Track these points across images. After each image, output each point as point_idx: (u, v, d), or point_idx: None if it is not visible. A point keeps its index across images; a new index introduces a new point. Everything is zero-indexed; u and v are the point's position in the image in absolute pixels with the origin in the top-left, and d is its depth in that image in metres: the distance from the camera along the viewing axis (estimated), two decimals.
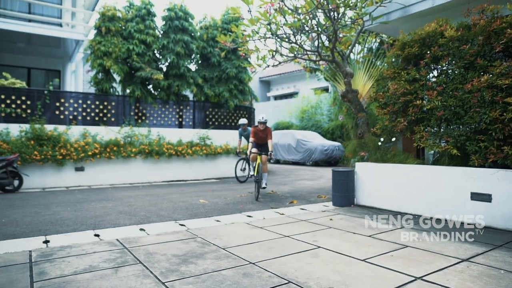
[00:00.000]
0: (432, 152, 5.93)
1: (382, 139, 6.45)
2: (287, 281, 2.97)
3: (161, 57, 12.11)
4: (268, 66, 7.74)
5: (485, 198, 4.81)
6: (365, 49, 9.38)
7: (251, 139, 7.56)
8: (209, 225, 5.11)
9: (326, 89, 23.95)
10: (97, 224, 5.08)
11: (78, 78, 15.25)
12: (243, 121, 10.32)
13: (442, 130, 5.50)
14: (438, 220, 5.06)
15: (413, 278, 3.01)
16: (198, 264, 3.40)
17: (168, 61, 11.80)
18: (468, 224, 4.87)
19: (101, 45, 10.81)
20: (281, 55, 7.84)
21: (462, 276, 3.04)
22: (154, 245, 4.06)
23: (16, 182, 8.62)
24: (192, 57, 12.67)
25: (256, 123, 7.95)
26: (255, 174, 7.47)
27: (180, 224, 5.14)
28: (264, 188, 7.67)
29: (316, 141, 17.84)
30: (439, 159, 5.67)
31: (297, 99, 24.76)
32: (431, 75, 5.75)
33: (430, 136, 5.59)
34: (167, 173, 11.22)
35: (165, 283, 2.93)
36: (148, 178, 10.83)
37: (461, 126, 5.22)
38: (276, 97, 31.08)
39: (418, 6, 6.33)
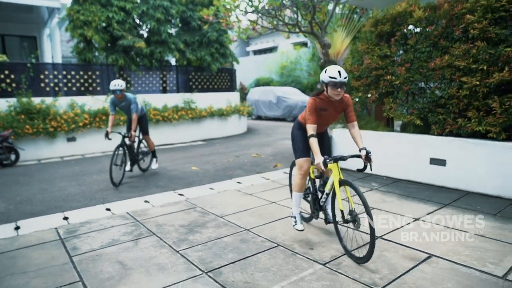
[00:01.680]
0: (400, 121, 6.65)
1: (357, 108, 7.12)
2: (276, 244, 3.72)
3: (141, 23, 12.13)
4: (249, 38, 8.09)
5: (441, 162, 5.63)
6: (342, 16, 9.72)
7: (311, 125, 3.39)
8: (205, 193, 5.79)
9: (305, 44, 24.12)
10: (105, 198, 5.69)
11: (55, 44, 15.01)
12: (117, 84, 6.23)
13: (408, 102, 6.19)
14: (402, 182, 5.90)
15: (379, 236, 3.81)
16: (202, 233, 4.11)
17: (149, 27, 11.86)
18: (427, 185, 5.74)
19: (80, 14, 10.75)
20: (262, 27, 8.19)
21: (412, 234, 3.86)
22: (161, 216, 4.73)
23: (12, 157, 9.00)
24: (172, 22, 12.70)
25: (327, 91, 3.34)
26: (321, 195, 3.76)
27: (179, 194, 5.81)
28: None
29: (296, 97, 18.47)
30: (405, 128, 6.40)
31: (276, 54, 24.93)
32: (400, 52, 6.31)
33: (398, 107, 6.28)
34: (155, 138, 11.53)
35: (179, 252, 3.64)
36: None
37: (424, 100, 5.91)
38: (255, 52, 31.01)
39: None
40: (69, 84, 10.87)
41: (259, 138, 12.70)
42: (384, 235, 3.86)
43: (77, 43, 11.26)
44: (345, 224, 3.43)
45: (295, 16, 7.89)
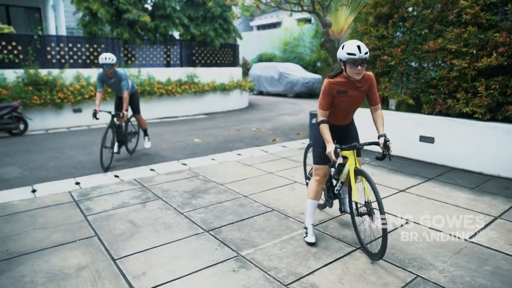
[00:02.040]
0: (394, 100, 6.94)
1: None
2: (271, 209, 4.12)
3: None
4: (252, 15, 8.27)
5: (430, 140, 5.97)
6: None
7: (321, 110, 3.09)
8: (207, 164, 6.17)
9: (309, 20, 24.01)
10: (113, 166, 6.07)
11: (60, 16, 15.10)
12: (108, 58, 5.71)
13: (403, 82, 6.47)
14: (393, 157, 6.25)
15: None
16: (204, 198, 4.51)
17: (154, 1, 11.96)
18: (416, 161, 6.10)
19: None
20: (265, 4, 8.35)
21: (395, 203, 4.24)
22: (166, 183, 5.12)
23: (21, 126, 9.36)
24: None
25: (350, 70, 2.88)
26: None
27: (182, 164, 6.19)
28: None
29: (298, 74, 18.63)
30: (399, 107, 6.70)
31: (279, 30, 24.86)
32: (397, 33, 6.53)
33: (392, 87, 6.57)
34: (159, 110, 12.04)
35: (183, 213, 4.04)
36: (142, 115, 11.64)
37: (417, 80, 6.19)
38: (259, 27, 30.86)
39: None
40: (75, 57, 11.10)
41: (260, 113, 13.00)
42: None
43: (82, 16, 11.41)
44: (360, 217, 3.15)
45: None
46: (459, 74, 5.44)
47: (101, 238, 3.45)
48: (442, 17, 5.75)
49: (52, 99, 9.84)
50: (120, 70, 6.03)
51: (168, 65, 13.06)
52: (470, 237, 3.38)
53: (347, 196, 3.41)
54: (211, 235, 3.50)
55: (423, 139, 6.07)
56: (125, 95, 5.88)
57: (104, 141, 5.77)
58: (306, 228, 3.36)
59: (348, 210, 3.37)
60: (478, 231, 3.51)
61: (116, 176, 5.49)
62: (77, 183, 5.18)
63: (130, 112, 6.59)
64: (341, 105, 3.09)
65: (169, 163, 6.27)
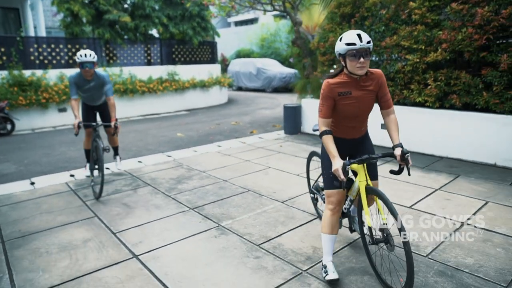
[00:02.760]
0: None
1: (321, 81, 8.07)
2: (247, 190, 4.74)
3: None
4: (229, 16, 8.84)
5: None
6: None
7: (322, 119, 2.61)
8: (190, 155, 6.74)
9: (284, 16, 24.62)
10: None
11: (39, 16, 15.28)
12: (89, 55, 4.61)
13: None
14: None
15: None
16: (188, 183, 5.09)
17: (133, 1, 12.35)
18: (378, 146, 6.77)
19: None
20: (240, 5, 8.93)
21: None
22: (154, 172, 5.68)
23: (9, 126, 9.69)
24: None
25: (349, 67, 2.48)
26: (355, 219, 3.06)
27: (167, 155, 6.74)
28: None
29: (275, 69, 19.27)
30: None
31: (256, 26, 25.41)
32: None
33: None
34: (141, 108, 12.49)
35: (171, 196, 4.62)
36: (125, 114, 12.08)
37: None
38: (237, 23, 31.32)
39: None
40: (58, 57, 11.42)
41: (239, 108, 13.59)
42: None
43: (64, 17, 11.72)
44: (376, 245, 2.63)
45: None
46: (412, 67, 6.16)
47: (100, 218, 4.00)
48: (396, 16, 6.45)
49: (37, 99, 10.19)
50: (101, 72, 4.91)
51: (149, 63, 13.48)
52: (412, 205, 4.08)
53: (357, 217, 2.85)
54: (196, 211, 4.10)
55: (384, 126, 6.77)
56: (112, 101, 4.89)
57: (92, 164, 4.96)
58: (325, 266, 2.74)
59: (358, 230, 2.90)
60: (420, 200, 4.21)
61: (107, 168, 6.00)
62: (72, 175, 5.68)
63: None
64: (347, 111, 2.58)
65: (155, 155, 6.80)
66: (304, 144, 7.28)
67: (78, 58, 4.56)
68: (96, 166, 4.91)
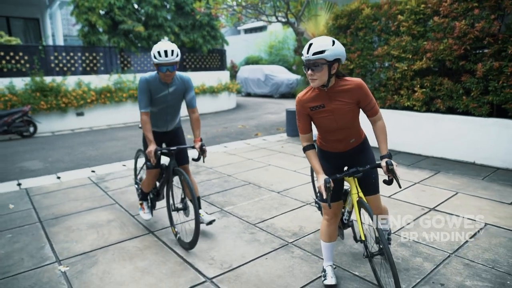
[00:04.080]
0: None
1: None
2: (248, 183, 5.36)
3: (140, 9, 13.40)
4: (235, 27, 9.52)
5: None
6: (318, 5, 11.10)
7: (302, 134, 2.65)
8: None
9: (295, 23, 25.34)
10: (120, 158, 7.26)
11: (57, 26, 16.20)
12: (171, 51, 3.17)
13: None
14: None
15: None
16: (197, 178, 5.72)
17: (147, 12, 13.14)
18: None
19: (85, 1, 12.02)
20: (246, 16, 9.62)
21: None
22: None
23: (31, 129, 10.48)
24: (168, 7, 13.97)
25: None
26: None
27: None
28: None
29: (283, 75, 19.94)
30: None
31: (265, 34, 26.18)
32: (355, 41, 7.81)
33: None
34: None
35: (180, 188, 5.25)
36: (138, 118, 12.73)
37: (371, 80, 7.47)
38: (246, 30, 32.11)
39: None
40: (76, 65, 12.25)
41: (246, 112, 14.24)
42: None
43: (82, 27, 12.55)
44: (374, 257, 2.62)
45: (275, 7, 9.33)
46: (401, 75, 6.73)
47: (120, 204, 4.66)
48: (387, 28, 7.04)
49: (57, 104, 10.98)
50: (184, 74, 3.59)
51: None
52: (391, 195, 4.65)
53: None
54: (202, 200, 4.72)
55: None
56: (197, 114, 3.73)
57: (169, 199, 3.64)
58: (324, 270, 2.81)
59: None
60: (399, 192, 4.78)
61: (124, 165, 6.68)
62: (93, 171, 6.36)
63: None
64: (324, 124, 2.50)
65: None
66: None
67: (154, 58, 3.18)
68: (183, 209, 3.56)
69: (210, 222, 3.72)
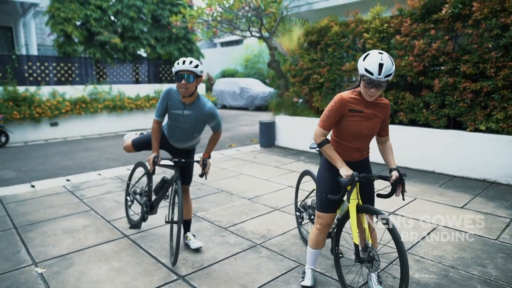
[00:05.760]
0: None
1: (294, 99, 9.06)
2: (221, 191, 5.58)
3: (116, 20, 13.53)
4: (211, 40, 9.82)
5: None
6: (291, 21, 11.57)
7: (321, 129, 2.63)
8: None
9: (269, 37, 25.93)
10: (95, 167, 7.33)
11: (31, 35, 16.04)
12: (182, 62, 3.14)
13: (329, 95, 8.16)
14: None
15: (287, 186, 5.74)
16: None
17: (123, 24, 13.28)
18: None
19: (61, 11, 12.06)
20: (221, 30, 9.93)
21: None
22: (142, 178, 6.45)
23: (3, 139, 10.34)
24: (144, 19, 14.16)
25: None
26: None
27: None
28: None
29: (258, 88, 20.31)
30: None
31: (241, 47, 26.62)
32: (325, 56, 8.25)
33: (322, 99, 8.24)
34: (129, 123, 13.26)
35: None
36: (113, 129, 12.84)
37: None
38: (223, 44, 32.51)
39: (317, 4, 8.67)
40: (50, 75, 12.21)
41: (222, 124, 14.44)
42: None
43: (57, 37, 12.55)
44: (359, 263, 2.70)
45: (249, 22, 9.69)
46: None
47: (96, 211, 4.77)
48: (354, 44, 7.49)
49: (30, 114, 10.89)
50: (210, 104, 3.40)
51: (137, 82, 14.35)
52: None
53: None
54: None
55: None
56: (218, 136, 3.74)
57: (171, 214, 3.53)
58: (304, 272, 2.96)
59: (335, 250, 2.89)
60: None
61: (99, 174, 6.76)
62: (68, 180, 6.41)
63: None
64: (354, 128, 2.55)
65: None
66: (276, 155, 8.17)
67: (174, 67, 3.15)
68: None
69: (196, 249, 3.59)
